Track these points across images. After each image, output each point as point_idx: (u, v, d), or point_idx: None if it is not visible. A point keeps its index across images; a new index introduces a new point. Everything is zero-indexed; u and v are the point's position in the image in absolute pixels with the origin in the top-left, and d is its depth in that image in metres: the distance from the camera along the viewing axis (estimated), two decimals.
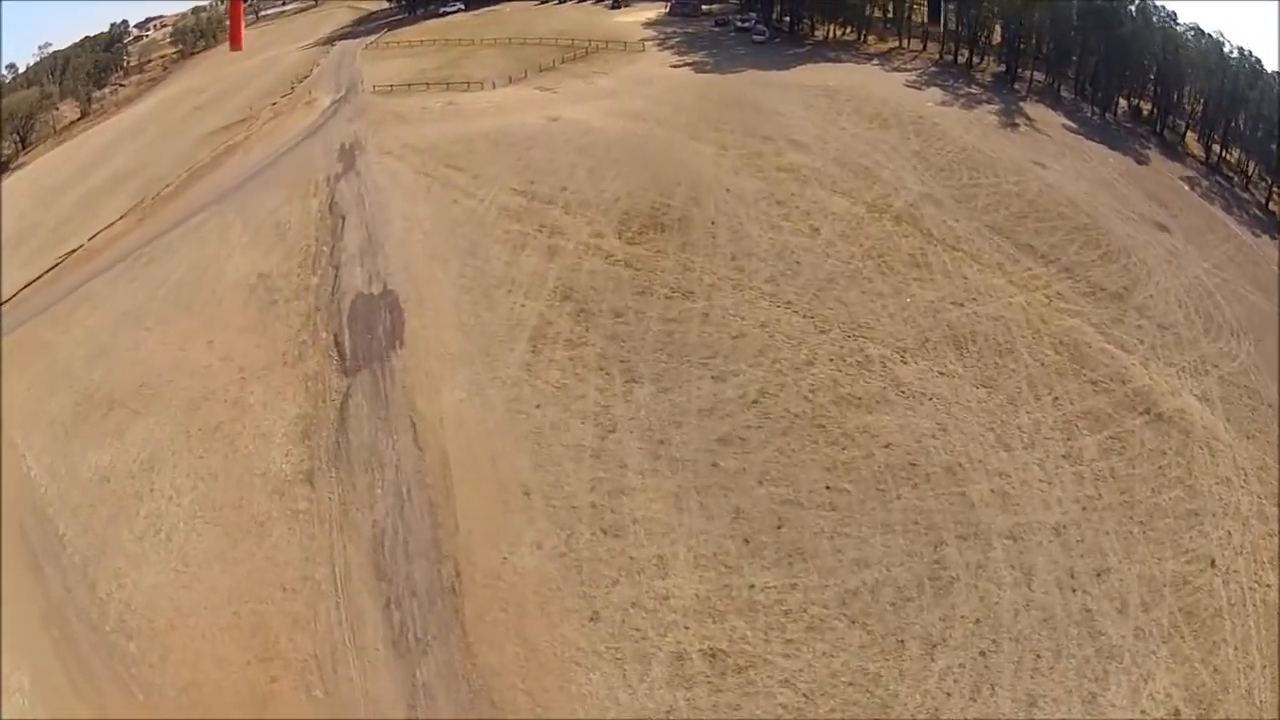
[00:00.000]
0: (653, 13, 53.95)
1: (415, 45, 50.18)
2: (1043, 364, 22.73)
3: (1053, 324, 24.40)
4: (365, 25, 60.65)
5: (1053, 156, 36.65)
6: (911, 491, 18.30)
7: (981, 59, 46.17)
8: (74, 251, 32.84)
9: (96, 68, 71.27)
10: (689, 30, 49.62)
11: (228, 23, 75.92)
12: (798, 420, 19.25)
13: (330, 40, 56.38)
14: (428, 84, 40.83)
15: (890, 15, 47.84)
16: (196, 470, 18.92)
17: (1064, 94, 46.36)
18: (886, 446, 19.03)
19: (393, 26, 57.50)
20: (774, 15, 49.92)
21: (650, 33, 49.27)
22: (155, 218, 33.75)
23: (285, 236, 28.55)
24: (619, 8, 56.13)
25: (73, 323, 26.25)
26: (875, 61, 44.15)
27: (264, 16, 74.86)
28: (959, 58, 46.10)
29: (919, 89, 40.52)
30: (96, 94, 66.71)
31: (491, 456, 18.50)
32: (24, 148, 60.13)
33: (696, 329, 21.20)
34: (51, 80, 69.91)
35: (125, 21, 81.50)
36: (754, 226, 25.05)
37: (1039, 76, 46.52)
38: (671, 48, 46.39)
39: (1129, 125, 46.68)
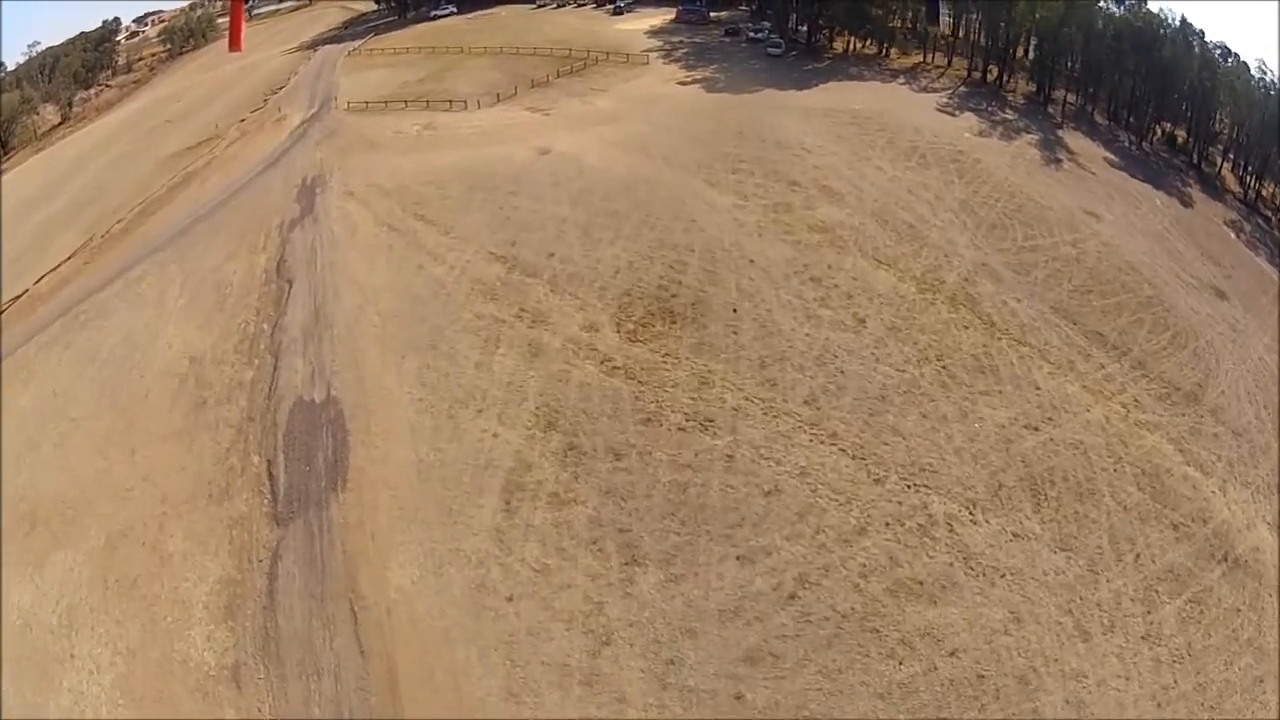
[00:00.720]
0: (657, 20, 44.03)
1: (400, 53, 40.76)
2: (1125, 507, 16.50)
3: (1133, 446, 17.97)
4: (353, 28, 50.64)
5: (1102, 202, 29.18)
6: (978, 716, 12.36)
7: (1010, 77, 37.90)
8: (18, 298, 26.20)
9: (84, 67, 61.27)
10: (697, 40, 40.15)
11: (225, 21, 66.44)
12: (846, 622, 12.76)
13: (315, 44, 46.77)
14: (405, 102, 32.15)
15: (915, 27, 38.99)
16: (115, 640, 13.59)
17: (1098, 119, 38.42)
18: (952, 654, 12.68)
19: (380, 31, 47.62)
20: (791, 26, 40.80)
21: (655, 43, 39.82)
22: (101, 260, 26.81)
23: (224, 304, 21.31)
24: (621, 14, 45.99)
25: (8, 399, 19.96)
26: (901, 79, 35.49)
27: (257, 15, 63.90)
28: (988, 75, 37.79)
29: (952, 114, 32.35)
30: (81, 95, 57.18)
31: (452, 674, 12.07)
32: (4, 152, 51.56)
33: (718, 481, 14.33)
34: (42, 78, 60.25)
35: (117, 19, 70.40)
36: (786, 316, 17.75)
37: (1070, 98, 38.48)
38: (678, 60, 37.26)
39: (1165, 155, 38.97)
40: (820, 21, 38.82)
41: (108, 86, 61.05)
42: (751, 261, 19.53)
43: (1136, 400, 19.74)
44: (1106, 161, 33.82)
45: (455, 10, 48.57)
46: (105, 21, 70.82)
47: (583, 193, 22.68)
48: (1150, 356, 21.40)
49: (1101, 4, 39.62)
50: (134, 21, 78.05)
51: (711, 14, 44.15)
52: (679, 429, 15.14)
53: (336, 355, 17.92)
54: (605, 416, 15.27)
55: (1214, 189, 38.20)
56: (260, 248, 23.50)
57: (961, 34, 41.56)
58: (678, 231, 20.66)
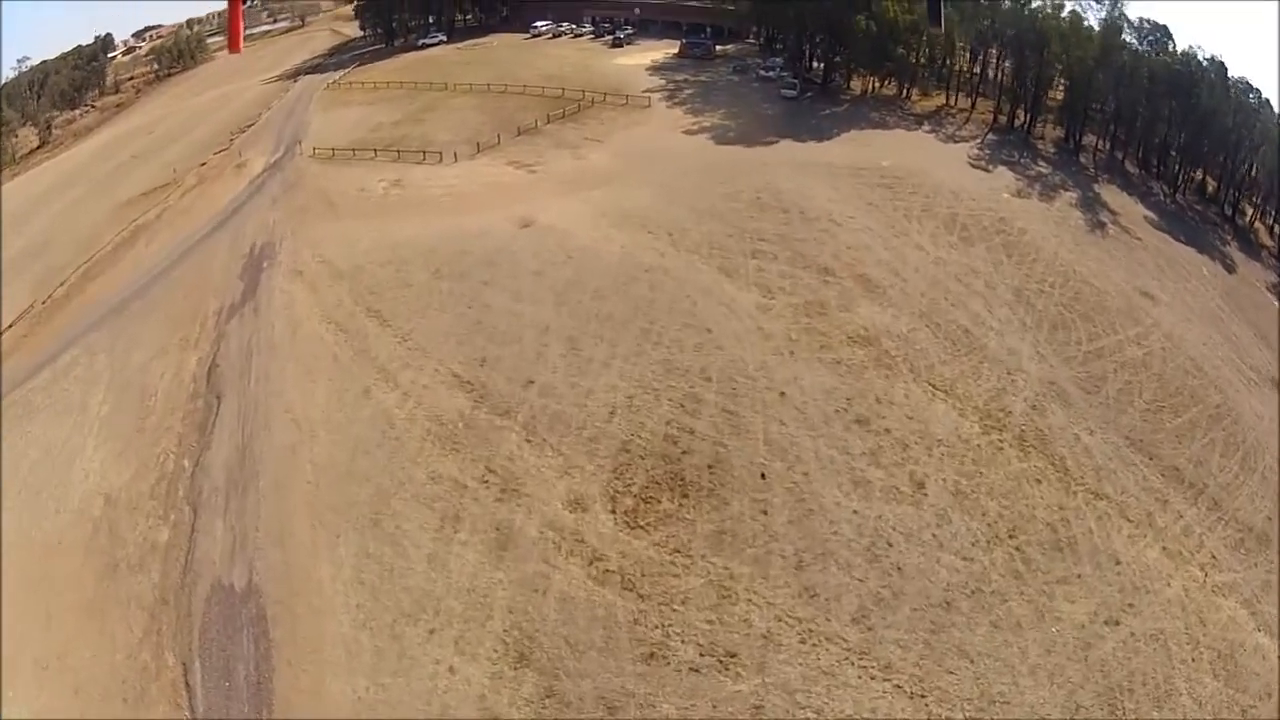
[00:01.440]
0: (659, 53, 37.56)
1: (380, 88, 34.61)
2: (1200, 703, 12.39)
3: (1210, 623, 13.64)
4: (338, 56, 43.95)
5: (1154, 276, 24.32)
6: None
7: (1038, 122, 32.74)
8: None
9: (72, 86, 55.14)
10: (703, 79, 34.04)
11: (215, 42, 60.23)
12: None
13: (295, 74, 40.38)
14: (375, 151, 26.46)
15: (940, 64, 33.43)
16: None
17: (1129, 167, 33.49)
18: None
19: (365, 60, 40.96)
20: (805, 63, 34.64)
21: (657, 81, 33.77)
22: (40, 333, 22.35)
23: (145, 423, 16.41)
24: (621, 46, 39.37)
25: None
26: (926, 126, 29.92)
27: (247, 37, 57.38)
28: (1015, 120, 32.61)
29: (986, 170, 27.03)
30: (64, 116, 51.27)
31: None
32: None
33: None
34: (31, 94, 54.36)
35: (109, 35, 63.80)
36: (829, 483, 12.71)
37: (1100, 144, 33.27)
38: (683, 103, 31.36)
39: (1199, 208, 34.11)
40: (838, 59, 33.37)
41: (92, 107, 54.67)
42: (783, 395, 14.37)
43: (1213, 557, 15.18)
44: (1147, 221, 28.83)
45: (444, 39, 41.97)
46: (97, 37, 64.73)
47: (571, 287, 17.36)
48: (1224, 490, 16.78)
49: (1128, 42, 34.61)
50: (132, 36, 71.52)
51: (718, 47, 38.35)
52: (691, 669, 10.27)
53: (261, 521, 12.99)
54: (595, 649, 10.39)
55: (1249, 244, 33.38)
56: (193, 343, 18.45)
57: (977, 68, 36.46)
58: (689, 348, 15.41)
